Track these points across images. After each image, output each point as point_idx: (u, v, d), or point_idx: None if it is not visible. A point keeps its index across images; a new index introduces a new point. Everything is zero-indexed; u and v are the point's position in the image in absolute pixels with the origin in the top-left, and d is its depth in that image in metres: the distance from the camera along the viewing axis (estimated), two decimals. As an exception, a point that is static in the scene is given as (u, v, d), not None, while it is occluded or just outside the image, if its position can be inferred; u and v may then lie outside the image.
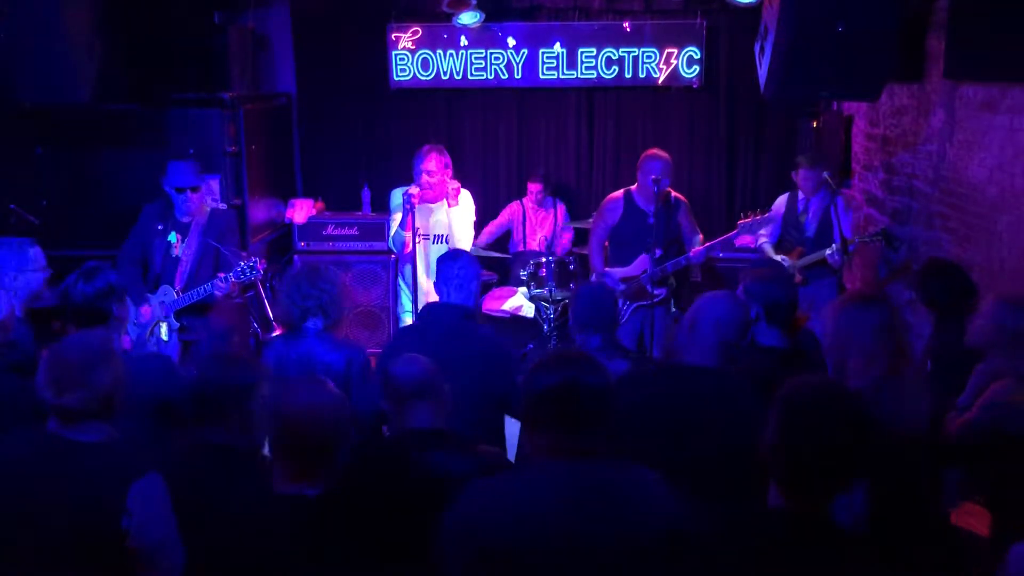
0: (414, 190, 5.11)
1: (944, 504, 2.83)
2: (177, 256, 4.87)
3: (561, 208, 7.10)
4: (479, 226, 6.97)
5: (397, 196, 5.39)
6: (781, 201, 5.86)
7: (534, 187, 6.98)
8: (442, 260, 3.82)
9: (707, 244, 5.27)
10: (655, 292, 5.14)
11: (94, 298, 3.34)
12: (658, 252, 5.17)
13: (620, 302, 5.37)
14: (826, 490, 2.01)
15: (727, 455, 2.64)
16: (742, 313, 3.07)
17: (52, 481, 2.40)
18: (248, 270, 4.59)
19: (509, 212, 7.12)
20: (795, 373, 3.14)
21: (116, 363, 2.54)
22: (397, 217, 5.34)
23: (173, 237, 4.89)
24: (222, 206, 5.13)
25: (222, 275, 4.66)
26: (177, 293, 4.79)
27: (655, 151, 5.31)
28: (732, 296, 3.18)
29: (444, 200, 5.36)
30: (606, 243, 5.53)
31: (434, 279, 3.88)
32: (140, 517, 2.36)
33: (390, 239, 5.44)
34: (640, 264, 5.25)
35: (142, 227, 4.95)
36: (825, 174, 5.52)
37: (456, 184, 5.41)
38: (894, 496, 2.57)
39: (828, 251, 5.37)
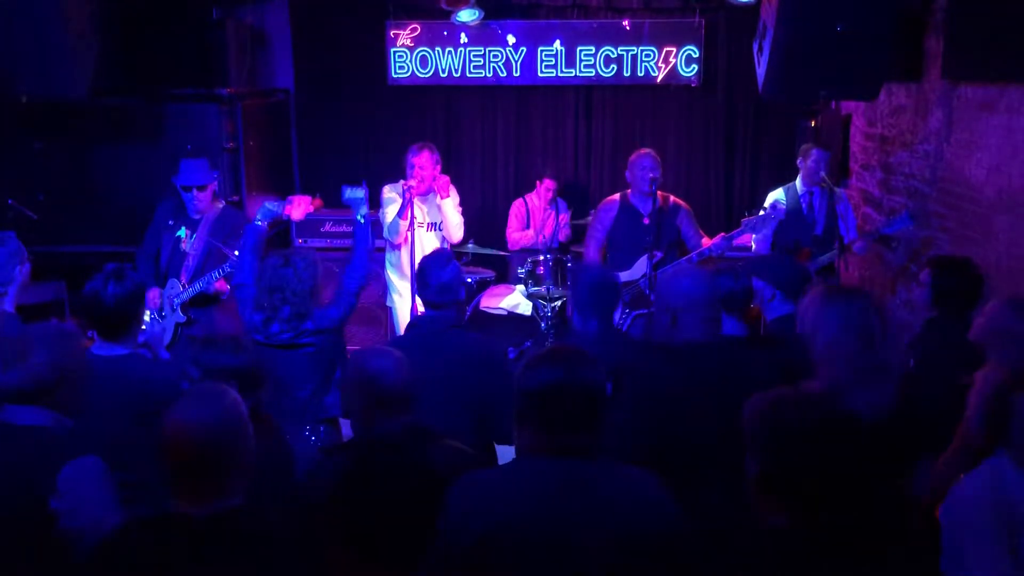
0: (412, 182, 5.30)
1: (918, 492, 2.84)
2: (185, 251, 4.94)
3: (564, 211, 7.08)
4: (479, 225, 7.00)
5: (386, 192, 5.63)
6: (780, 200, 5.74)
7: (551, 184, 6.94)
8: (424, 268, 3.65)
9: (710, 244, 5.14)
10: (654, 298, 5.07)
11: (126, 301, 3.24)
12: (657, 254, 5.10)
13: (620, 311, 5.33)
14: (833, 507, 1.95)
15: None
16: (711, 285, 3.07)
17: None
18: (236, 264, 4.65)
19: (516, 209, 7.09)
20: (759, 357, 3.21)
21: (61, 348, 2.51)
22: (390, 211, 5.54)
23: (183, 232, 4.98)
24: (220, 203, 5.19)
25: (217, 270, 4.76)
26: (183, 286, 4.86)
27: (645, 150, 5.31)
28: (698, 272, 3.20)
29: (435, 193, 5.58)
30: (604, 247, 5.45)
31: (417, 286, 3.74)
32: (71, 499, 2.33)
33: (386, 228, 5.54)
34: (640, 268, 5.20)
35: (156, 223, 5.06)
36: (822, 173, 5.50)
37: (445, 178, 5.64)
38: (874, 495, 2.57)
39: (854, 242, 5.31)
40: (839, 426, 1.96)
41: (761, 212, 5.22)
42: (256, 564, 2.04)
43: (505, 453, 3.73)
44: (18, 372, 2.45)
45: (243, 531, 2.06)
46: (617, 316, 5.35)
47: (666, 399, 2.87)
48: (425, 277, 3.61)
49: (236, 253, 4.66)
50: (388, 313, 5.89)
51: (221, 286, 4.83)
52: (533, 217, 7.01)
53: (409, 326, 3.91)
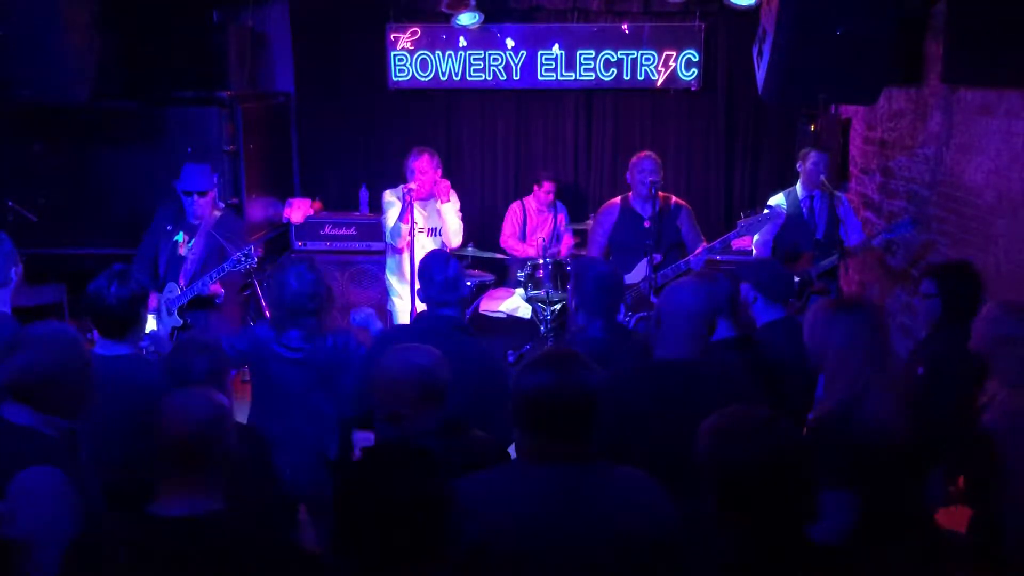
0: (412, 185, 5.36)
1: (930, 503, 2.83)
2: (182, 255, 4.93)
3: (562, 212, 7.09)
4: (479, 229, 7.00)
5: (387, 196, 5.69)
6: (780, 205, 5.74)
7: (549, 186, 6.94)
8: (427, 265, 3.60)
9: (707, 245, 5.20)
10: (655, 301, 5.07)
11: (130, 302, 3.22)
12: (657, 257, 5.10)
13: (622, 312, 5.33)
14: (795, 518, 1.94)
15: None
16: (710, 302, 3.00)
17: None
18: (243, 258, 4.64)
19: (512, 214, 7.09)
20: (747, 357, 3.20)
21: (52, 349, 2.48)
22: (391, 214, 5.58)
23: (180, 236, 4.98)
24: (219, 205, 5.21)
25: (219, 267, 4.72)
26: (181, 289, 4.84)
27: (646, 152, 5.32)
28: (700, 283, 3.15)
29: (435, 198, 5.65)
30: (606, 251, 5.45)
31: (419, 285, 3.68)
32: (13, 506, 2.29)
33: (388, 232, 5.59)
34: (641, 271, 5.20)
35: (155, 227, 5.07)
36: (822, 176, 5.50)
37: (446, 182, 5.71)
38: (879, 503, 2.56)
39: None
40: (785, 449, 1.93)
41: (757, 212, 5.22)
42: (235, 568, 2.03)
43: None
44: (2, 368, 2.44)
45: (223, 534, 2.07)
46: (619, 318, 5.35)
47: (632, 419, 2.78)
48: (429, 274, 3.56)
49: (240, 254, 4.67)
50: (388, 317, 5.91)
51: (216, 289, 4.83)
52: (529, 222, 7.01)
53: (414, 321, 3.89)
